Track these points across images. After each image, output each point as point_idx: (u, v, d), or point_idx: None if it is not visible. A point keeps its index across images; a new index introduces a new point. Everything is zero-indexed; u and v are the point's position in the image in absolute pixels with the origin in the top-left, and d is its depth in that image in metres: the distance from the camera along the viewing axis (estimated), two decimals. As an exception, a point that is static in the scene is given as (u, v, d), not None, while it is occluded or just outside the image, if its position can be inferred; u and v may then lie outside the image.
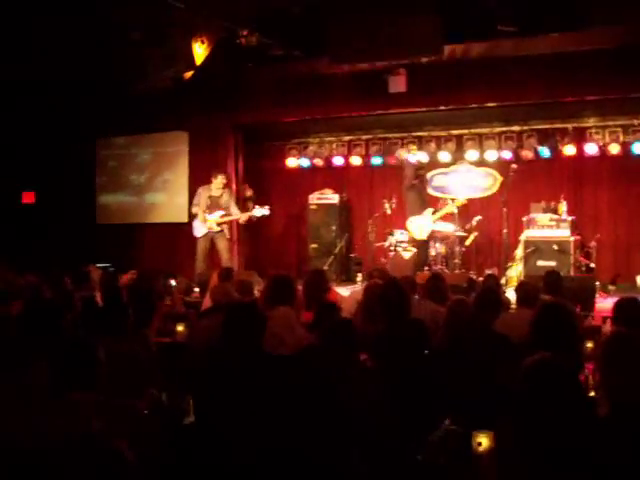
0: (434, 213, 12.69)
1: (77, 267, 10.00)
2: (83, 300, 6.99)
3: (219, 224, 12.70)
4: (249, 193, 14.67)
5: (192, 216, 13.19)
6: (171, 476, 3.53)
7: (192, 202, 13.14)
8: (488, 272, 11.67)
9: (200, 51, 11.14)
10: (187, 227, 14.83)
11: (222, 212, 12.72)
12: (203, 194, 12.86)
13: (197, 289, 10.88)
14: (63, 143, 14.77)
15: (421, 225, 12.64)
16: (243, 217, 12.95)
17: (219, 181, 12.83)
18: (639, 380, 3.39)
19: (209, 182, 12.97)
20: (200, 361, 5.14)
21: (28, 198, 15.53)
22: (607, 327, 6.74)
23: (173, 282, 10.84)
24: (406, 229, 12.96)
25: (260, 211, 12.94)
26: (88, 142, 15.60)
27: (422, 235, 12.64)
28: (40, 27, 10.48)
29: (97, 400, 3.55)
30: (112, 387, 3.82)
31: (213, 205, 12.77)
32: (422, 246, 12.73)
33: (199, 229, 12.83)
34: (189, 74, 11.71)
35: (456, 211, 12.88)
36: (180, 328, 7.04)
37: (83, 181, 15.62)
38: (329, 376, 3.65)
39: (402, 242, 12.98)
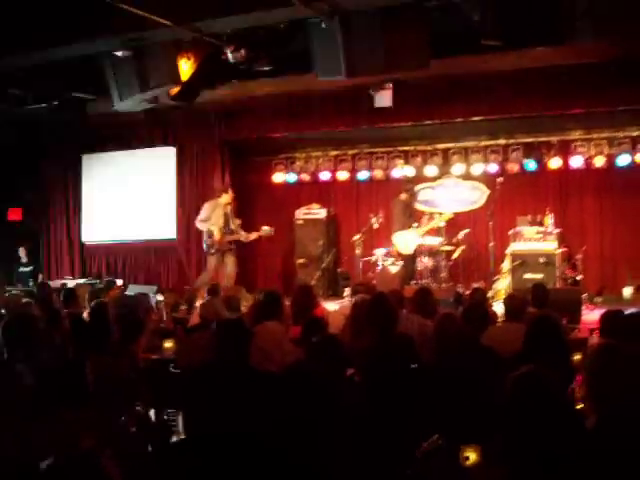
0: (419, 227, 12.71)
1: (64, 284, 10.00)
2: (71, 317, 6.97)
3: (230, 242, 12.68)
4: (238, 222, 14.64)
5: (201, 232, 13.13)
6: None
7: (198, 218, 12.99)
8: (475, 286, 11.69)
9: (186, 67, 11.15)
10: (175, 243, 14.85)
11: (232, 231, 12.74)
12: (217, 211, 12.77)
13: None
14: (49, 159, 14.73)
15: (407, 240, 12.67)
16: (252, 236, 12.97)
17: (228, 197, 12.81)
18: (625, 391, 3.40)
19: (202, 197, 12.96)
20: (188, 377, 5.13)
21: (15, 215, 15.48)
22: (594, 339, 6.76)
23: (161, 298, 10.81)
24: (392, 244, 13.01)
25: (266, 232, 12.97)
26: (75, 158, 15.57)
27: (408, 250, 12.67)
28: (24, 41, 10.47)
29: (85, 417, 3.53)
30: (99, 404, 3.81)
31: (227, 224, 12.72)
32: (409, 260, 12.77)
33: (214, 246, 12.73)
34: (175, 90, 11.70)
35: (443, 225, 12.92)
36: (168, 344, 7.02)
37: (68, 197, 15.57)
38: (317, 393, 3.63)
39: (389, 257, 13.01)
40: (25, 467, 2.44)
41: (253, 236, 12.95)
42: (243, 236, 12.85)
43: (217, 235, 12.64)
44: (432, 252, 13.02)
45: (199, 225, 12.97)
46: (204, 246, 12.93)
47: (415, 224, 12.73)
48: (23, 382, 3.85)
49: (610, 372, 3.48)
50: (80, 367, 3.77)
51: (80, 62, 11.15)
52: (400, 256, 12.86)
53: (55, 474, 2.39)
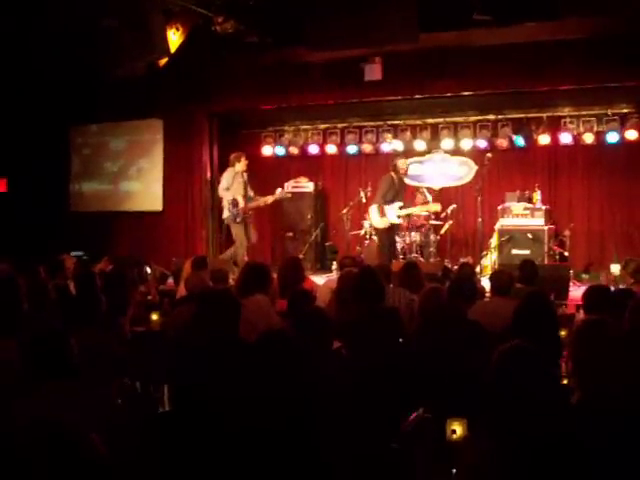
0: (402, 208, 12.56)
1: (51, 256, 9.94)
2: (57, 289, 6.95)
3: (249, 210, 12.51)
4: None
5: (222, 200, 12.71)
6: (145, 465, 3.51)
7: (220, 187, 12.66)
8: (463, 260, 11.72)
9: (175, 38, 11.08)
10: (162, 215, 14.80)
11: (253, 198, 12.51)
12: (236, 179, 12.40)
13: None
14: (36, 130, 14.62)
15: (387, 213, 12.61)
16: (270, 199, 12.73)
17: (243, 163, 12.43)
18: (610, 366, 3.41)
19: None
20: (174, 349, 5.13)
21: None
22: (580, 315, 6.79)
23: (148, 270, 10.79)
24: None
25: (282, 194, 12.91)
26: (62, 129, 15.48)
27: (379, 224, 12.51)
28: (13, 12, 10.36)
29: (69, 389, 3.52)
30: (85, 376, 3.80)
31: (247, 191, 12.43)
32: (384, 234, 12.60)
33: (240, 215, 12.34)
34: (164, 61, 11.63)
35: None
36: (154, 317, 7.01)
37: (56, 169, 15.48)
38: (298, 362, 3.64)
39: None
40: (8, 443, 2.42)
41: (271, 199, 12.71)
42: (262, 201, 12.64)
43: (242, 203, 12.34)
44: (420, 227, 13.01)
45: (222, 194, 12.53)
46: (227, 215, 12.43)
47: (400, 203, 12.55)
48: (7, 355, 3.83)
49: (594, 347, 3.49)
50: (66, 339, 3.75)
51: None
52: (374, 229, 12.81)
53: (35, 447, 2.37)
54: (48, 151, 15.12)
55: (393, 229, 12.55)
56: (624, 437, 3.14)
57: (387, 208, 12.34)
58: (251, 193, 12.49)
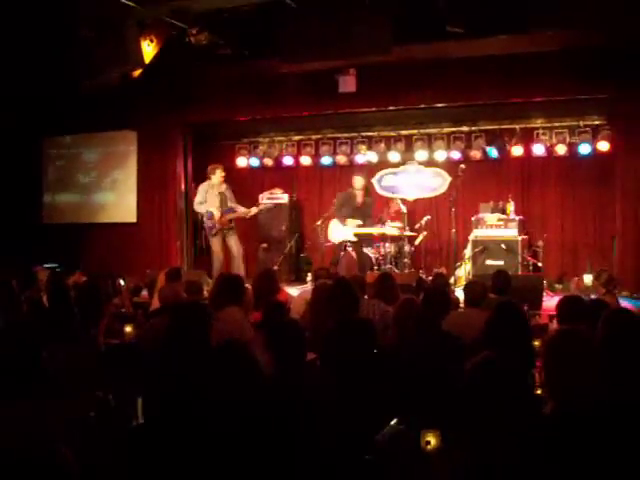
0: (360, 226, 12.64)
1: (24, 268, 9.87)
2: (30, 301, 6.89)
3: (230, 221, 12.52)
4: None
5: (198, 214, 13.04)
6: (118, 478, 3.50)
7: (195, 201, 12.74)
8: (437, 271, 11.75)
9: (149, 49, 11.05)
10: (136, 227, 14.75)
11: (230, 208, 12.52)
12: (210, 191, 12.52)
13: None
14: (9, 141, 14.53)
15: (339, 230, 12.69)
16: (252, 212, 12.80)
17: (218, 175, 12.53)
18: (583, 377, 3.43)
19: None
20: (148, 362, 5.10)
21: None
22: (554, 325, 6.82)
23: (122, 282, 10.73)
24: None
25: (264, 205, 13.08)
26: (35, 140, 15.40)
27: (333, 238, 12.71)
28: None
29: (41, 402, 3.50)
30: (58, 389, 3.77)
31: (223, 203, 12.49)
32: (336, 248, 12.76)
33: (215, 228, 12.49)
34: (138, 72, 11.60)
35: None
36: (128, 329, 6.97)
37: (29, 180, 15.39)
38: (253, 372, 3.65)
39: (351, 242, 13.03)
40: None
41: (253, 211, 12.79)
42: (242, 213, 12.68)
43: (217, 215, 12.42)
44: (394, 238, 13.04)
45: (197, 208, 12.76)
46: (205, 229, 12.74)
47: (357, 221, 12.65)
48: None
49: (567, 357, 3.51)
50: (38, 352, 3.73)
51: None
52: (327, 241, 12.94)
53: (6, 465, 2.35)
54: (21, 162, 15.04)
55: (341, 244, 12.62)
56: (596, 447, 3.16)
57: (343, 224, 12.53)
58: (232, 204, 12.51)
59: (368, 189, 13.27)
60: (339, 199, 12.90)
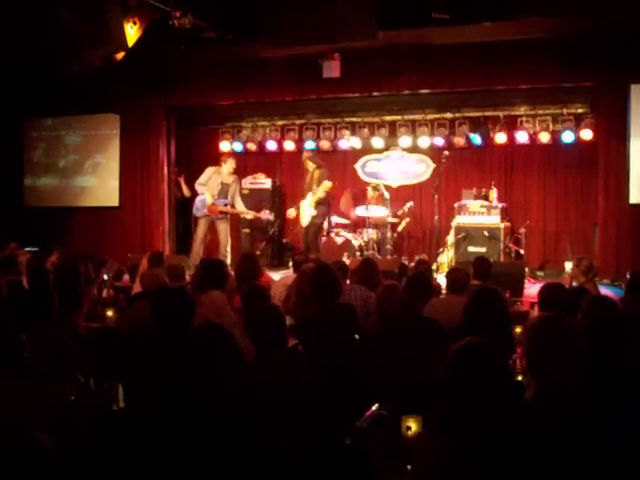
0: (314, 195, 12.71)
1: (4, 251, 9.81)
2: (9, 284, 6.84)
3: (221, 212, 12.56)
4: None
5: (195, 194, 13.09)
6: (97, 463, 3.48)
7: (198, 180, 12.82)
8: (419, 257, 11.76)
9: (132, 32, 10.97)
10: (118, 211, 14.69)
11: (227, 201, 12.62)
12: (214, 177, 12.62)
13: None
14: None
15: (304, 209, 12.78)
16: (249, 215, 12.99)
17: (229, 166, 12.65)
18: (564, 363, 3.44)
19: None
20: (129, 346, 5.08)
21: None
22: (535, 312, 6.85)
23: (103, 266, 10.68)
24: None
25: (267, 216, 13.09)
26: (16, 123, 15.29)
27: (304, 222, 12.78)
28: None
29: (18, 385, 3.48)
30: (37, 372, 3.75)
31: (222, 192, 12.59)
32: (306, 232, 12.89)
33: (202, 210, 12.59)
34: (120, 55, 11.52)
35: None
36: (109, 313, 6.96)
37: (10, 163, 15.29)
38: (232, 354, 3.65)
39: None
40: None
41: (250, 215, 12.95)
42: (240, 211, 12.80)
43: (208, 199, 12.51)
44: (377, 224, 13.06)
45: (197, 187, 12.86)
46: (194, 209, 12.82)
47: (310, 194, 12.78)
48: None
49: (548, 343, 3.52)
50: (17, 335, 3.70)
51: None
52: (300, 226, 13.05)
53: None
54: (2, 145, 14.92)
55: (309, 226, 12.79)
56: (577, 433, 3.17)
57: (305, 201, 12.80)
58: (232, 200, 12.55)
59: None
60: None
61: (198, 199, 12.68)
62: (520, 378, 4.64)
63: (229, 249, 12.64)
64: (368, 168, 14.58)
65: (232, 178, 12.69)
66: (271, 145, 15.08)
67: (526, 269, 11.16)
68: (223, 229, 12.59)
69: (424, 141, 14.04)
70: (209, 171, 12.74)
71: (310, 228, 12.73)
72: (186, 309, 4.85)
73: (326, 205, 12.83)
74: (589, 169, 13.05)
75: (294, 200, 14.79)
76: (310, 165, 13.01)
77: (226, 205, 12.57)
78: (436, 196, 12.61)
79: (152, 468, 3.27)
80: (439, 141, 13.91)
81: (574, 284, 8.07)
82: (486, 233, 12.39)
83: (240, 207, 12.78)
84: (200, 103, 14.28)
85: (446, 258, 12.52)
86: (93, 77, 12.52)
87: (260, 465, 3.19)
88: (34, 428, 2.45)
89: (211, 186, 12.56)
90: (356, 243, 12.69)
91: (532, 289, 10.17)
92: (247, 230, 14.65)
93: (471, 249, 12.21)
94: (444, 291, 7.78)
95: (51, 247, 12.47)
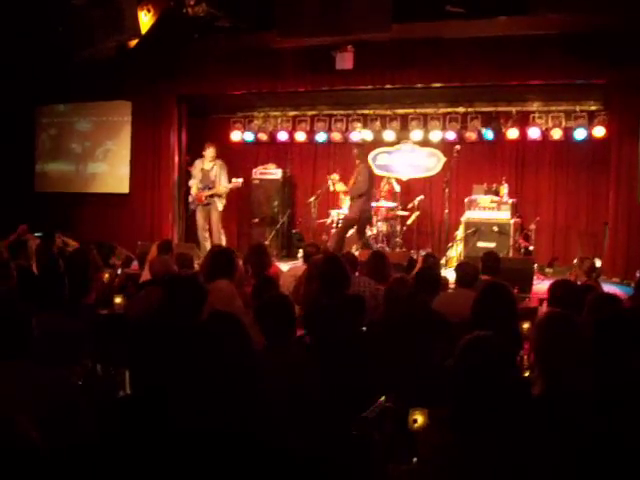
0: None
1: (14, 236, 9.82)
2: (19, 269, 6.85)
3: (206, 197, 12.75)
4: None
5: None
6: (103, 448, 3.48)
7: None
8: (427, 251, 11.75)
9: (146, 19, 10.96)
10: (128, 198, 14.69)
11: (209, 186, 12.83)
12: (198, 167, 13.01)
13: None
14: (1, 109, 14.42)
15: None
16: (225, 189, 12.98)
17: (209, 153, 12.92)
18: (571, 360, 3.43)
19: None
20: (137, 333, 5.08)
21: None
22: (544, 308, 6.84)
23: (113, 253, 10.71)
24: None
25: (235, 184, 13.07)
26: (28, 109, 15.29)
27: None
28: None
29: (24, 369, 3.48)
30: (45, 357, 3.75)
31: (205, 178, 12.85)
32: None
33: (194, 203, 13.02)
34: (134, 42, 11.52)
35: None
36: (118, 300, 6.96)
37: (22, 149, 15.30)
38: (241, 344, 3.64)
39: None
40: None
41: (224, 189, 12.93)
42: (218, 190, 12.86)
43: (194, 190, 12.92)
44: (387, 217, 13.04)
45: (189, 183, 13.32)
46: (189, 203, 13.37)
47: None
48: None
49: (556, 340, 3.51)
50: (26, 320, 3.70)
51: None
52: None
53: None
54: (13, 130, 14.93)
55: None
56: (584, 427, 3.16)
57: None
58: (215, 181, 12.67)
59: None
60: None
61: (190, 193, 13.08)
62: (527, 374, 4.63)
63: (221, 237, 12.86)
64: (379, 161, 14.54)
65: (212, 164, 12.93)
66: (282, 136, 15.06)
67: (535, 265, 11.12)
68: (215, 218, 12.91)
69: (436, 135, 14.00)
70: (196, 162, 13.15)
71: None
72: (199, 296, 4.86)
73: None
74: (600, 167, 12.99)
75: (304, 191, 14.82)
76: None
77: (209, 189, 12.70)
78: (446, 190, 12.60)
79: (156, 455, 3.28)
80: (451, 135, 13.88)
81: (578, 283, 8.06)
82: (496, 228, 12.38)
83: (222, 184, 12.93)
84: (212, 92, 14.26)
85: (455, 253, 12.51)
86: (105, 63, 12.51)
87: (266, 454, 3.18)
88: (31, 418, 2.43)
89: (196, 175, 12.99)
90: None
91: (541, 285, 10.15)
92: (256, 220, 14.67)
93: (480, 244, 12.19)
94: (452, 285, 7.76)
95: (60, 232, 12.51)
